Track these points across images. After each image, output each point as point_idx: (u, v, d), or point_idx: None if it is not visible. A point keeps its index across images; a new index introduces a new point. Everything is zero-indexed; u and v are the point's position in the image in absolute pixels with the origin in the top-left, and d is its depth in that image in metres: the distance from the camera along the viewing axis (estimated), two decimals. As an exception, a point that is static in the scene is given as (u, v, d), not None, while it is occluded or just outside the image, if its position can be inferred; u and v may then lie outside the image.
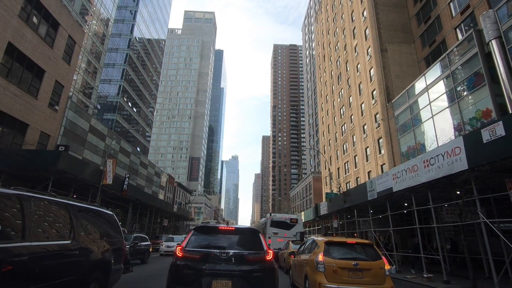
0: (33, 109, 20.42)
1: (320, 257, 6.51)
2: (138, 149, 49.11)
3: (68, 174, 18.06)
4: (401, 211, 16.12)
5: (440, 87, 19.04)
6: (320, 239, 7.49)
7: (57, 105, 23.35)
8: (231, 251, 5.24)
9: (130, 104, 48.46)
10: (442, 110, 18.53)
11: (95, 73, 37.64)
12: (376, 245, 18.61)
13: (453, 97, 17.72)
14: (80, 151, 26.82)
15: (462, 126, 16.89)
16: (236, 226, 5.96)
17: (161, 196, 50.39)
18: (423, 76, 20.82)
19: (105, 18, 40.97)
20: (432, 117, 19.61)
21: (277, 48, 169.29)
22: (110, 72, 43.34)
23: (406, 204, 16.45)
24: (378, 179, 16.19)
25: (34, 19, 20.81)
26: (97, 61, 38.13)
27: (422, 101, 20.88)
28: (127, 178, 25.35)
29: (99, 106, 41.45)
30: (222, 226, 5.85)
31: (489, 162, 8.56)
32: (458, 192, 12.07)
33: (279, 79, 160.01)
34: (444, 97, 18.57)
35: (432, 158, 11.25)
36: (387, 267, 6.46)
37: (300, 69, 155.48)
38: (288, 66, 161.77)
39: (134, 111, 50.56)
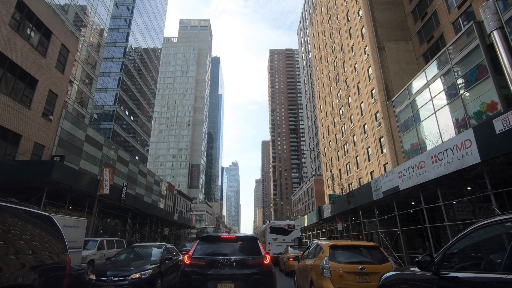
0: (26, 120, 19.94)
1: (326, 262, 6.34)
2: (137, 158, 48.56)
3: (63, 185, 17.50)
4: (408, 210, 15.55)
5: (442, 82, 18.64)
6: (324, 243, 7.26)
7: (51, 114, 22.88)
8: (233, 257, 5.78)
9: (127, 112, 48.04)
10: (445, 105, 18.10)
11: (91, 82, 37.29)
12: (384, 247, 18.02)
13: (456, 91, 17.31)
14: (76, 161, 26.28)
15: (466, 121, 16.45)
16: (236, 234, 6.55)
17: (161, 205, 49.69)
18: (423, 72, 20.45)
19: (100, 27, 40.79)
20: (435, 112, 19.18)
21: (273, 53, 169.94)
22: (106, 81, 42.99)
23: (413, 203, 15.89)
24: (383, 178, 15.66)
25: (26, 28, 20.48)
26: (93, 70, 37.81)
27: (424, 97, 20.47)
28: (125, 187, 24.76)
29: (95, 116, 41.01)
30: (224, 235, 6.46)
31: (504, 153, 8.07)
32: (468, 188, 11.57)
33: (276, 83, 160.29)
34: (446, 92, 18.17)
35: (440, 153, 10.75)
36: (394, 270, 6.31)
37: (297, 72, 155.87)
38: (285, 70, 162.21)
39: (131, 119, 50.11)
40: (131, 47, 49.04)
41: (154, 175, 48.61)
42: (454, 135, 15.22)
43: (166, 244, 9.77)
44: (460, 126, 16.86)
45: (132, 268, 7.10)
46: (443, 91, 18.43)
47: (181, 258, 9.84)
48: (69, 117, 25.58)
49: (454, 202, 12.83)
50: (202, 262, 5.73)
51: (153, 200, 44.86)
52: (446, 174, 10.61)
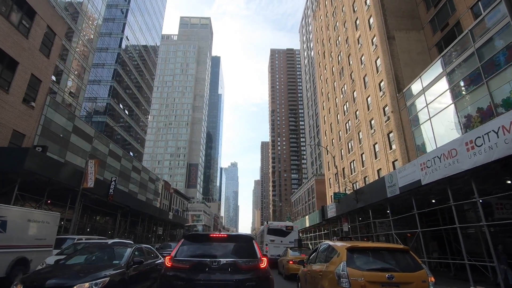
0: (4, 105, 18.08)
1: (343, 269, 5.07)
2: (132, 154, 46.63)
3: (39, 176, 15.62)
4: (431, 208, 13.63)
5: (463, 68, 16.85)
6: (339, 244, 5.94)
7: (33, 101, 21.01)
8: (223, 260, 4.99)
9: (121, 106, 46.08)
10: (467, 93, 16.29)
11: (83, 73, 35.40)
12: None
13: (480, 77, 15.51)
14: (62, 153, 24.41)
15: (493, 110, 14.65)
16: (228, 233, 5.66)
17: (157, 204, 47.72)
18: (440, 59, 18.65)
19: (94, 15, 38.94)
20: (454, 102, 17.38)
21: (274, 53, 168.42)
22: (100, 72, 41.11)
23: (434, 201, 14.05)
24: (400, 171, 13.82)
25: (5, 4, 18.64)
26: (85, 60, 35.92)
27: (441, 86, 18.68)
28: (113, 182, 22.87)
29: (87, 108, 39.12)
30: (214, 233, 5.61)
31: None
32: (508, 182, 9.75)
33: (277, 83, 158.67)
34: (468, 79, 16.37)
35: (479, 137, 8.91)
36: (431, 279, 5.03)
37: (297, 72, 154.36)
38: (286, 70, 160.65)
39: (126, 113, 48.14)
40: (127, 38, 47.17)
41: (149, 172, 46.67)
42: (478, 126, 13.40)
43: (119, 240, 7.54)
44: (485, 115, 15.05)
45: (81, 275, 5.11)
46: (465, 78, 16.63)
47: (160, 261, 7.91)
48: (54, 105, 23.70)
49: (480, 201, 10.99)
50: (186, 265, 4.92)
51: (148, 198, 42.91)
52: (485, 164, 8.77)
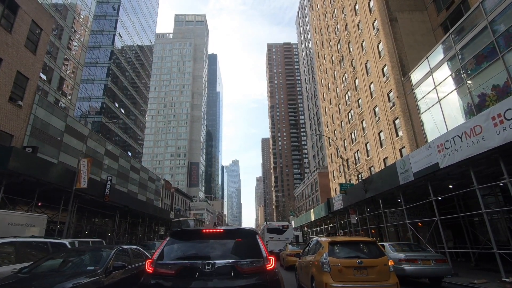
0: (-13, 104, 17.06)
1: (325, 258, 6.54)
2: (130, 153, 45.63)
3: (26, 176, 14.62)
4: (449, 194, 12.57)
5: (474, 45, 15.75)
6: (323, 239, 7.48)
7: (21, 100, 19.98)
8: (219, 262, 4.08)
9: (117, 105, 44.97)
10: (481, 70, 15.19)
11: (75, 71, 34.28)
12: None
13: (494, 52, 14.42)
14: (55, 154, 23.41)
15: (510, 85, 13.58)
16: (225, 227, 4.84)
17: (157, 203, 46.84)
18: (449, 37, 17.52)
19: (84, 12, 37.74)
20: (465, 82, 16.29)
21: (271, 47, 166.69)
22: (93, 71, 40.01)
23: (451, 186, 13.01)
24: (414, 156, 12.79)
25: (-17, -3, 17.57)
26: (77, 58, 34.81)
27: (450, 66, 17.58)
28: (109, 181, 21.89)
29: (80, 108, 38.06)
30: (207, 228, 4.78)
31: None
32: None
33: (275, 78, 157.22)
34: (481, 54, 15.27)
35: (509, 110, 7.86)
36: (390, 263, 6.43)
37: (295, 66, 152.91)
38: (284, 64, 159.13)
39: (122, 112, 47.02)
40: (120, 35, 45.90)
41: (149, 172, 45.72)
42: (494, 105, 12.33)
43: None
44: (502, 92, 13.97)
45: (41, 287, 4.09)
46: (477, 55, 15.53)
47: None
48: (44, 104, 22.66)
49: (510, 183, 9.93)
50: (171, 270, 4.04)
51: (148, 198, 41.99)
52: (518, 139, 7.72)
